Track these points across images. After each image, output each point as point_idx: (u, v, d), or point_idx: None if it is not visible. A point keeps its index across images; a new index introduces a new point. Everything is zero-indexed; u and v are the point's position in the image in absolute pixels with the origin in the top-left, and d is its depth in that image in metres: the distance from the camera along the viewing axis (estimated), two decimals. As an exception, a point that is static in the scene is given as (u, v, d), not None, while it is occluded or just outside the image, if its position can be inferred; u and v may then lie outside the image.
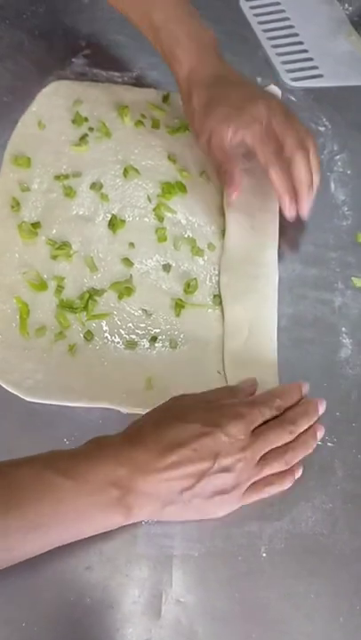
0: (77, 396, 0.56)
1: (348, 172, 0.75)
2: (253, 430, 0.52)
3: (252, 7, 0.87)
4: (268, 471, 0.53)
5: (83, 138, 0.71)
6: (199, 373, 0.60)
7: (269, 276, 0.65)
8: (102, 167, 0.69)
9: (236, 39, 0.84)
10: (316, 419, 0.56)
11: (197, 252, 0.66)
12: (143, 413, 0.54)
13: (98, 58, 0.79)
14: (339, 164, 0.75)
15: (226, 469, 0.50)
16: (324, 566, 0.53)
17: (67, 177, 0.68)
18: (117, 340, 0.60)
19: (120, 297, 0.62)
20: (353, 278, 0.67)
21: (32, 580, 0.50)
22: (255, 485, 0.53)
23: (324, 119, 0.79)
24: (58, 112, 0.72)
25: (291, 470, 0.54)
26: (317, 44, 0.85)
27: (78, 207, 0.67)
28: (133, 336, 0.60)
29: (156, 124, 0.73)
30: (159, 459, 0.49)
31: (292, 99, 0.80)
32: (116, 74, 0.78)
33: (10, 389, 0.56)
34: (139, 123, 0.73)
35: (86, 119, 0.72)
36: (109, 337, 0.60)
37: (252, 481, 0.52)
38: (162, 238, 0.66)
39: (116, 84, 0.77)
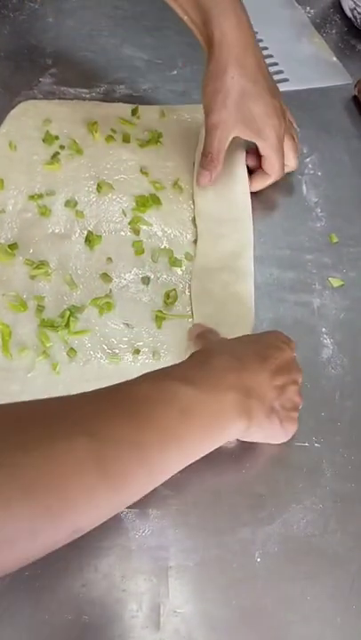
0: (64, 414, 0.56)
1: (319, 173, 0.76)
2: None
3: (215, 16, 0.88)
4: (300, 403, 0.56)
5: (54, 156, 0.71)
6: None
7: (244, 280, 0.66)
8: (76, 184, 0.70)
9: (201, 49, 0.84)
10: None
11: (175, 262, 0.66)
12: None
13: (65, 76, 0.79)
14: (310, 166, 0.76)
15: (295, 382, 0.55)
16: (318, 568, 0.53)
17: (41, 196, 0.68)
18: (100, 355, 0.60)
19: (101, 312, 0.62)
20: (330, 279, 0.68)
21: (28, 600, 0.50)
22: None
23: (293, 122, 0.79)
24: (28, 132, 0.73)
25: None
26: (282, 48, 0.86)
27: (54, 225, 0.67)
28: (116, 350, 0.61)
29: (126, 138, 0.74)
30: (263, 366, 0.52)
31: (260, 104, 0.80)
32: (84, 90, 0.78)
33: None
34: (109, 138, 0.73)
35: (57, 137, 0.72)
36: (92, 353, 0.60)
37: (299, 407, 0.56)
38: (139, 251, 0.67)
39: (84, 100, 0.77)
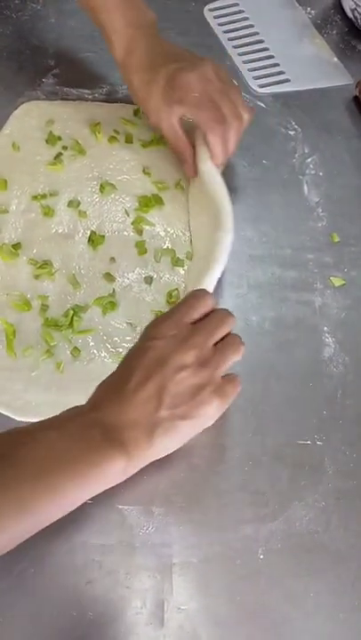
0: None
1: (321, 173, 0.76)
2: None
3: (216, 17, 0.89)
4: (231, 354, 0.53)
5: (57, 157, 0.71)
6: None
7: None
8: (79, 185, 0.70)
9: (202, 50, 0.83)
10: None
11: (177, 262, 0.67)
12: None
13: (67, 76, 0.79)
14: (311, 166, 0.77)
15: (182, 367, 0.50)
16: (321, 564, 0.54)
17: (44, 196, 0.69)
18: (104, 354, 0.61)
19: (104, 312, 0.63)
20: (331, 278, 0.68)
21: (34, 598, 0.51)
22: (227, 377, 0.52)
23: (294, 123, 0.80)
24: (31, 133, 0.73)
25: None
26: (283, 49, 0.86)
27: (57, 225, 0.67)
28: (120, 349, 0.61)
29: (129, 139, 0.74)
30: (122, 388, 0.49)
31: (262, 105, 0.81)
32: (87, 91, 0.79)
33: (1, 410, 0.57)
34: (112, 138, 0.74)
35: (60, 138, 0.73)
36: (96, 352, 0.61)
37: (223, 369, 0.52)
38: (142, 251, 0.67)
39: (87, 101, 0.78)
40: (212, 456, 0.57)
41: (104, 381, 0.52)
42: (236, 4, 0.90)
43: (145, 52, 0.67)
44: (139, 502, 0.55)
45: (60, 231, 0.67)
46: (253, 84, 0.82)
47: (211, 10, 0.89)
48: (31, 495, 0.45)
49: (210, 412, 0.51)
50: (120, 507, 0.54)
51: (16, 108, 0.75)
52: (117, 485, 0.54)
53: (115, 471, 0.48)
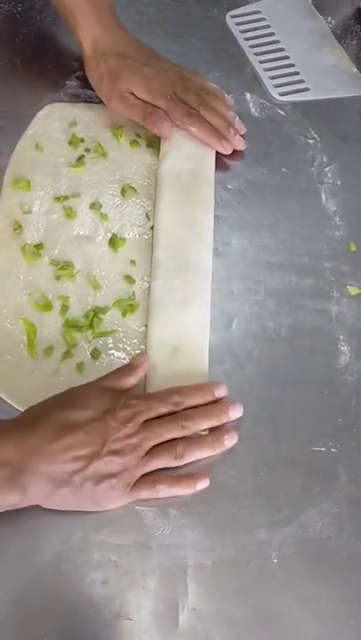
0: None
1: (339, 182, 0.77)
2: (145, 422, 0.55)
3: (238, 24, 0.89)
4: (155, 463, 0.55)
5: (80, 159, 0.72)
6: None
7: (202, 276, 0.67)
8: (100, 187, 0.71)
9: (223, 56, 0.86)
10: (224, 421, 0.58)
11: (196, 266, 0.67)
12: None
13: (91, 79, 0.80)
14: (329, 175, 0.77)
15: (114, 453, 0.52)
16: (333, 570, 0.54)
17: (66, 198, 0.69)
18: (123, 355, 0.62)
19: (124, 314, 0.63)
20: (348, 287, 0.69)
21: (50, 595, 0.51)
22: (145, 479, 0.54)
23: (313, 132, 0.80)
24: (54, 134, 0.74)
25: (191, 476, 0.56)
26: (303, 58, 0.87)
27: (79, 227, 0.68)
28: (138, 351, 0.62)
29: (150, 143, 0.75)
30: (52, 441, 0.50)
31: (281, 113, 0.82)
32: (110, 94, 0.79)
33: (21, 410, 0.57)
34: (134, 142, 0.74)
35: (82, 140, 0.74)
36: (115, 353, 0.61)
37: (141, 473, 0.54)
38: (161, 255, 0.68)
39: (109, 104, 0.78)
40: (227, 461, 0.58)
41: (39, 408, 0.54)
42: (258, 12, 0.91)
43: (115, 39, 0.73)
44: (155, 504, 0.55)
45: (81, 233, 0.68)
46: (274, 92, 0.83)
47: (233, 17, 0.90)
48: None
49: (105, 502, 0.53)
50: (137, 508, 0.55)
51: (39, 110, 0.76)
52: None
53: (6, 505, 0.50)
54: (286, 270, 0.70)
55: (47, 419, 0.52)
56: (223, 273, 0.69)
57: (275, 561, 0.54)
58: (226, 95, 0.79)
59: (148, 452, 0.54)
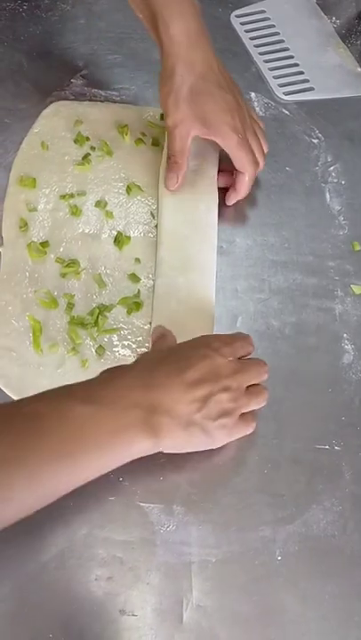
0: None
1: (343, 182, 0.77)
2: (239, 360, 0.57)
3: (242, 23, 0.89)
4: (253, 403, 0.56)
5: (85, 157, 0.72)
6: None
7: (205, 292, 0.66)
8: (106, 185, 0.71)
9: (228, 55, 0.86)
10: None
11: (201, 264, 0.68)
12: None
13: (96, 77, 0.80)
14: (333, 174, 0.77)
15: (226, 389, 0.54)
16: (337, 567, 0.55)
17: (72, 196, 0.70)
18: (128, 353, 0.62)
19: (129, 312, 0.64)
20: (352, 286, 0.69)
21: (56, 592, 0.52)
22: (243, 417, 0.56)
23: (317, 131, 0.81)
24: (59, 132, 0.74)
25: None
26: (307, 57, 0.87)
27: (84, 225, 0.68)
28: (143, 349, 0.62)
29: (155, 142, 0.75)
30: (178, 380, 0.52)
31: (286, 112, 0.82)
32: (115, 93, 0.79)
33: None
34: (139, 141, 0.74)
35: (88, 138, 0.74)
36: (120, 351, 0.62)
37: (243, 410, 0.56)
38: (166, 253, 0.68)
39: (114, 102, 0.79)
40: (232, 458, 0.58)
41: (159, 360, 0.55)
42: (263, 12, 0.91)
43: (204, 58, 0.65)
44: (160, 501, 0.56)
45: (86, 231, 0.68)
46: (278, 92, 0.83)
47: (238, 16, 0.90)
48: (50, 471, 0.46)
49: (221, 438, 0.55)
50: (141, 504, 0.55)
51: (45, 108, 0.76)
52: (139, 483, 0.56)
53: (139, 451, 0.51)
54: (290, 269, 0.70)
55: (164, 366, 0.53)
56: (228, 271, 0.69)
57: (279, 558, 0.54)
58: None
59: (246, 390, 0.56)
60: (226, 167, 0.72)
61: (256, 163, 0.68)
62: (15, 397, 0.58)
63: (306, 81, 0.85)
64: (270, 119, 0.81)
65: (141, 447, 0.50)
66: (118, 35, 0.82)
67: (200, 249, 0.67)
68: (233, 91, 0.67)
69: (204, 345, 0.56)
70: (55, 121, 0.75)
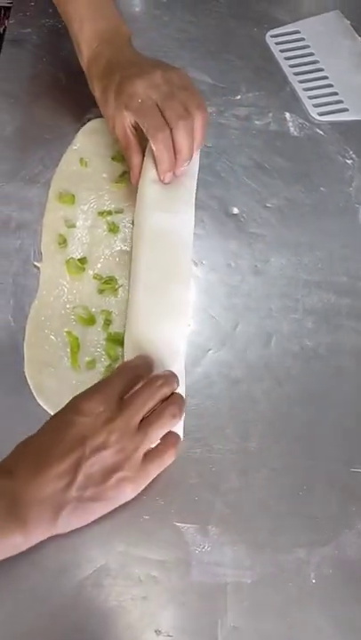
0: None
1: (377, 203, 0.77)
2: (120, 401, 0.53)
3: (277, 43, 0.90)
4: (156, 431, 0.52)
5: (123, 175, 0.73)
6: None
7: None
8: (142, 203, 0.72)
9: (263, 75, 0.86)
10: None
11: (236, 284, 0.68)
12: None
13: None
14: (367, 195, 0.78)
15: (101, 448, 0.50)
16: (371, 592, 0.54)
17: (110, 213, 0.70)
18: (163, 370, 0.62)
19: (165, 329, 0.64)
20: (386, 308, 0.69)
21: (89, 610, 0.52)
22: (152, 452, 0.53)
23: (351, 152, 0.81)
24: (98, 150, 0.75)
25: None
26: (342, 78, 0.88)
27: (122, 242, 0.69)
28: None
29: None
30: (39, 459, 0.49)
31: (320, 132, 0.82)
32: (152, 110, 0.80)
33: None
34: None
35: (125, 156, 0.74)
36: (156, 369, 0.62)
37: (146, 449, 0.52)
38: (204, 272, 0.68)
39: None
40: (265, 479, 0.58)
41: (23, 443, 0.52)
42: (298, 32, 0.92)
43: (106, 60, 0.68)
44: (195, 521, 0.56)
45: (124, 248, 0.69)
46: (313, 112, 0.83)
47: (273, 36, 0.91)
48: None
49: (121, 497, 0.52)
50: (177, 524, 0.55)
51: (83, 125, 0.77)
52: (174, 503, 0.56)
53: (8, 546, 0.48)
54: (324, 289, 0.70)
55: (25, 447, 0.51)
56: (262, 290, 0.69)
57: (313, 581, 0.54)
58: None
59: (139, 428, 0.52)
60: None
61: (162, 127, 0.63)
62: (52, 412, 0.59)
63: (340, 102, 0.85)
64: (305, 139, 0.81)
65: (13, 540, 0.48)
66: (155, 53, 0.82)
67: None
68: (134, 66, 0.67)
69: (70, 411, 0.53)
70: (94, 138, 0.76)
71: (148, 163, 0.67)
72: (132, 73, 0.65)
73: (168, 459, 0.54)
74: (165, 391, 0.55)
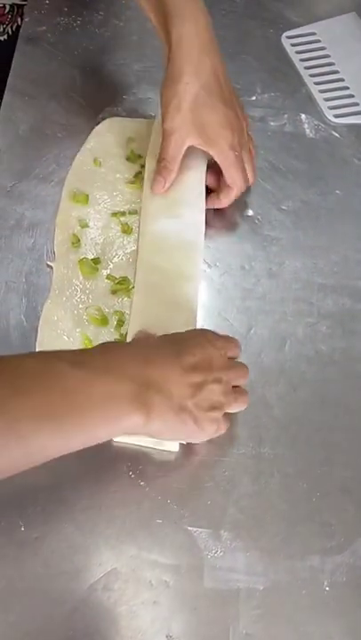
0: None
1: (392, 207, 0.76)
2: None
3: (293, 45, 0.90)
4: (239, 402, 0.56)
5: (137, 175, 0.73)
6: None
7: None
8: (156, 204, 0.71)
9: (279, 76, 0.86)
10: None
11: (251, 286, 0.68)
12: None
13: (148, 94, 0.81)
14: (382, 198, 0.77)
15: (218, 380, 0.53)
16: (386, 601, 0.54)
17: (123, 214, 0.70)
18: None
19: (178, 331, 0.63)
20: None
21: (100, 614, 0.51)
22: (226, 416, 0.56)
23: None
24: (112, 149, 0.74)
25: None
26: (358, 80, 0.87)
27: (135, 243, 0.68)
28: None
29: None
30: (174, 362, 0.52)
31: (336, 135, 0.82)
32: (167, 111, 0.79)
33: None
34: (190, 159, 0.74)
35: (140, 156, 0.74)
36: (169, 370, 0.61)
37: (227, 408, 0.55)
38: (219, 273, 0.68)
39: (166, 120, 0.79)
40: (279, 484, 0.58)
41: (155, 342, 0.55)
42: (314, 34, 0.91)
43: (211, 69, 0.65)
44: (207, 525, 0.55)
45: (136, 249, 0.68)
46: (329, 114, 0.83)
47: (288, 37, 0.90)
48: (33, 430, 0.44)
49: (209, 432, 0.54)
50: (189, 528, 0.55)
51: (97, 124, 0.76)
52: (187, 507, 0.55)
53: (128, 426, 0.48)
54: (340, 293, 0.69)
55: (161, 347, 0.54)
56: (276, 294, 0.69)
57: (327, 589, 0.54)
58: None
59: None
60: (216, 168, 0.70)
61: (247, 180, 0.69)
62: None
63: (356, 104, 0.85)
64: (320, 141, 0.81)
65: (131, 422, 0.48)
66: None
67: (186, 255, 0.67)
68: (234, 105, 0.68)
69: (200, 334, 0.57)
70: (108, 137, 0.75)
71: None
72: (234, 114, 0.67)
73: (222, 429, 0.56)
74: (246, 379, 0.59)
